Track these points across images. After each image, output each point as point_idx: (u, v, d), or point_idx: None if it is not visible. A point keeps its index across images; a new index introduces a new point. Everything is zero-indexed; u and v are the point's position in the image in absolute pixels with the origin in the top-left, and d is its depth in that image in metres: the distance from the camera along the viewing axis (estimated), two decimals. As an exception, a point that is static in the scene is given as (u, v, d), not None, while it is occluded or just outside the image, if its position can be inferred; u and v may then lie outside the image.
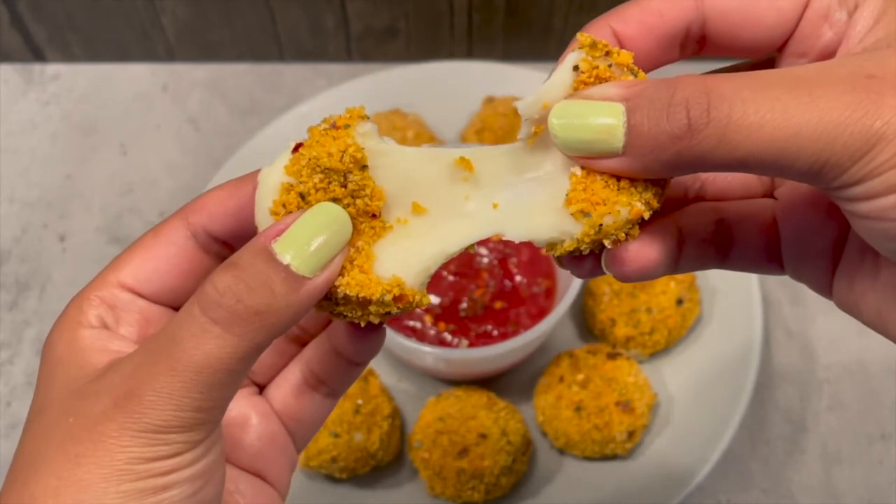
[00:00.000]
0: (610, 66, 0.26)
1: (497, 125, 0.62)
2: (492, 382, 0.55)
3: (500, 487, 0.49)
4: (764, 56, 0.29)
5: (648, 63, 0.28)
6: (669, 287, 0.54)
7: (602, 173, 0.26)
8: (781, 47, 0.28)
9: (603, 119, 0.25)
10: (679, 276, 0.54)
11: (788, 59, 0.28)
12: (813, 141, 0.23)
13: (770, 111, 0.23)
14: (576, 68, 0.26)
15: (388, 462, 0.52)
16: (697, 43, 0.28)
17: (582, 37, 0.26)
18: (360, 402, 0.50)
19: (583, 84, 0.26)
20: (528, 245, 0.57)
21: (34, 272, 0.63)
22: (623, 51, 0.26)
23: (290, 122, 0.65)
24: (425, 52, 0.72)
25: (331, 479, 0.51)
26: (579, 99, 0.26)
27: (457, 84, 0.66)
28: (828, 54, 0.27)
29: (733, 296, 0.56)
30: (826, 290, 0.30)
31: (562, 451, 0.52)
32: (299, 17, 0.70)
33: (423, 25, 0.70)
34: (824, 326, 0.59)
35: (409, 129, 0.62)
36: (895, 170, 0.22)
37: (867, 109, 0.22)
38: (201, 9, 0.69)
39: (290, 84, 0.73)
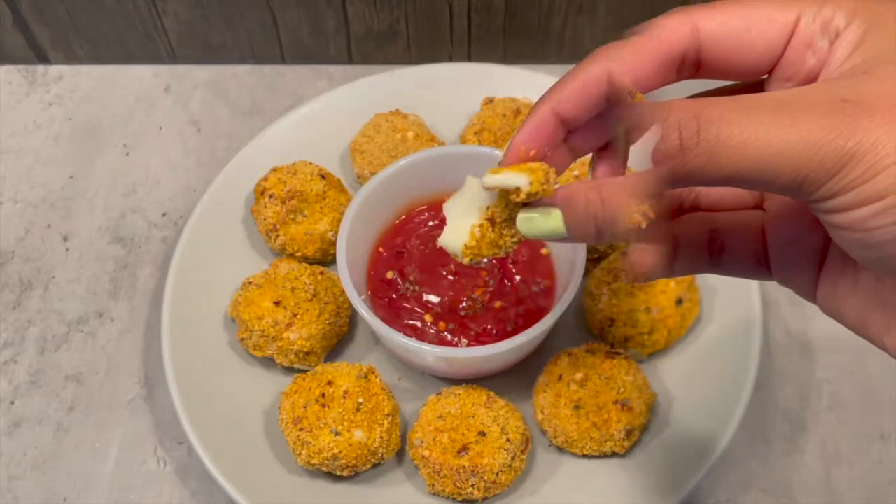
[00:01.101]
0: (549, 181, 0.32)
1: (496, 126, 0.62)
2: (491, 381, 0.55)
3: (500, 485, 0.49)
4: (754, 80, 0.31)
5: (648, 85, 0.31)
6: (669, 287, 0.54)
7: None
8: (770, 71, 0.31)
9: (551, 224, 0.31)
10: (678, 277, 0.54)
11: (775, 83, 0.31)
12: (793, 159, 0.26)
13: (754, 132, 0.26)
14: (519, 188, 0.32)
15: (388, 459, 0.52)
16: (693, 66, 0.31)
17: (534, 175, 0.32)
18: (360, 400, 0.51)
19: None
20: (528, 245, 0.58)
21: (37, 272, 0.64)
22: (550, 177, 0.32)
23: (291, 123, 0.65)
24: (425, 54, 0.73)
25: (331, 476, 0.52)
26: (531, 211, 0.32)
27: (456, 86, 0.66)
28: (811, 79, 0.30)
29: (733, 296, 0.56)
30: (811, 295, 0.32)
31: (561, 449, 0.53)
32: (300, 19, 0.71)
33: (424, 28, 0.71)
34: (823, 326, 0.59)
35: (409, 129, 0.63)
36: (866, 185, 0.25)
37: (841, 130, 0.25)
38: (203, 11, 0.70)
39: (291, 85, 0.73)
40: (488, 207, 0.35)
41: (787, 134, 0.25)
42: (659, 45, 0.30)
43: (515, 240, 0.35)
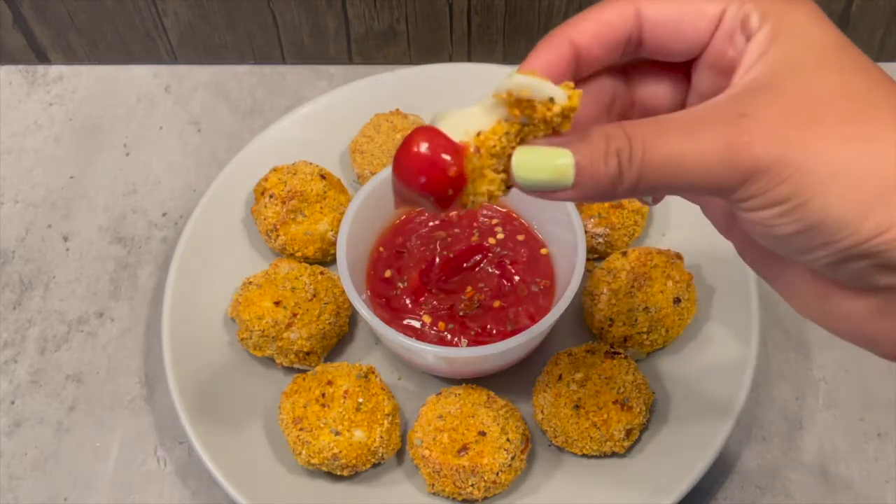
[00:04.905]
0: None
1: (496, 126, 0.62)
2: (491, 381, 0.56)
3: (500, 484, 0.50)
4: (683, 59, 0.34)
5: (596, 64, 0.34)
6: (667, 287, 0.54)
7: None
8: (697, 56, 0.34)
9: (558, 160, 0.30)
10: (676, 276, 0.55)
11: (701, 69, 0.34)
12: (702, 170, 0.29)
13: (669, 151, 0.29)
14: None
15: (388, 459, 0.52)
16: (635, 47, 0.34)
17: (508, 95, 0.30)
18: (361, 400, 0.51)
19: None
20: (527, 245, 0.58)
21: (38, 271, 0.64)
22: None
23: (291, 123, 0.65)
24: (425, 54, 0.73)
25: (331, 476, 0.52)
26: (534, 147, 0.31)
27: (456, 86, 0.66)
28: (730, 69, 0.32)
29: (730, 295, 0.57)
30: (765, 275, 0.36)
31: (560, 449, 0.53)
32: (301, 19, 0.71)
33: (424, 28, 0.71)
34: (821, 326, 0.59)
35: (409, 129, 0.63)
36: (768, 193, 0.29)
37: (739, 145, 0.29)
38: (203, 11, 0.70)
39: (291, 85, 0.74)
40: (479, 133, 0.27)
41: (694, 150, 0.29)
42: (610, 29, 0.32)
43: (494, 188, 0.28)
